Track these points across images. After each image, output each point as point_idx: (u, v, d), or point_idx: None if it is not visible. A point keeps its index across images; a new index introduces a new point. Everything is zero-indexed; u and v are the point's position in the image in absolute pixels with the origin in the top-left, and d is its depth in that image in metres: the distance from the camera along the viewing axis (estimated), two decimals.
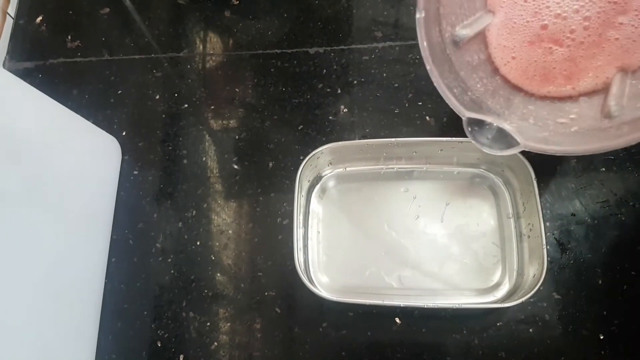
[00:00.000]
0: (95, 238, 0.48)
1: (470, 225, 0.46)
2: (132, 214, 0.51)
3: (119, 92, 0.56)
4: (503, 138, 0.36)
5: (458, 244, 0.46)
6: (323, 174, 0.49)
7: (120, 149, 0.54)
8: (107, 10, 0.60)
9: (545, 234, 0.40)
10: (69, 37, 0.59)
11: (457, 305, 0.41)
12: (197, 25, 0.59)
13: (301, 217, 0.46)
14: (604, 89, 0.38)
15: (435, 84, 0.37)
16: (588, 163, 0.48)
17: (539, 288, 0.39)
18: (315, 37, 0.56)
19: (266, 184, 0.51)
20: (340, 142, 0.46)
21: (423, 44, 0.37)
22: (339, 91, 0.54)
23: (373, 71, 0.54)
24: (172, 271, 0.49)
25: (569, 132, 0.37)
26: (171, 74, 0.57)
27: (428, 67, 0.37)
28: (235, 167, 0.52)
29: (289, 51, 0.56)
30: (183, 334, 0.47)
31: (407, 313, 0.45)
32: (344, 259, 0.47)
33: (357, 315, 0.46)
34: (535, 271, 0.41)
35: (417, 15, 0.37)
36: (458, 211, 0.47)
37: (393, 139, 0.45)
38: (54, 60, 0.58)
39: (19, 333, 0.37)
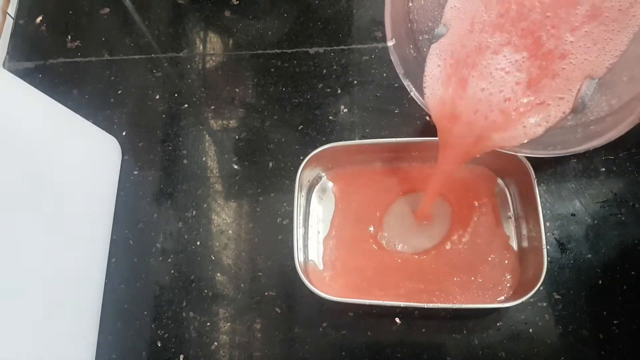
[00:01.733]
0: (95, 238, 0.48)
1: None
2: (132, 214, 0.51)
3: (119, 92, 0.56)
4: None
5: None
6: (323, 174, 0.49)
7: (120, 149, 0.54)
8: (107, 10, 0.60)
9: (545, 234, 0.40)
10: (69, 37, 0.59)
11: (457, 306, 0.41)
12: (197, 25, 0.59)
13: (301, 217, 0.46)
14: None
15: (415, 99, 0.38)
16: (588, 163, 0.48)
17: (539, 288, 0.39)
18: (315, 37, 0.56)
19: (266, 184, 0.51)
20: (340, 142, 0.46)
21: (399, 67, 0.38)
22: (339, 91, 0.54)
23: (373, 71, 0.54)
24: (172, 271, 0.49)
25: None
26: (171, 74, 0.57)
27: (405, 84, 0.38)
28: (235, 167, 0.52)
29: (289, 51, 0.56)
30: (183, 334, 0.47)
31: (407, 313, 0.45)
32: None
33: (357, 315, 0.46)
34: (535, 271, 0.41)
35: (389, 44, 0.37)
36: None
37: (393, 139, 0.45)
38: (54, 60, 0.58)
39: (19, 333, 0.37)
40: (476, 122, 0.34)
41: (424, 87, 0.37)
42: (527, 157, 0.42)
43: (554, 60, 0.32)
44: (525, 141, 0.34)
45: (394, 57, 0.37)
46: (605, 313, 0.44)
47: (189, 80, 0.56)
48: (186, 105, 0.55)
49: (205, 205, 0.51)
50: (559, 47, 0.32)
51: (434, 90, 0.36)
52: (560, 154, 0.34)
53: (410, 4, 0.38)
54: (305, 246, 0.46)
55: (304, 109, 0.54)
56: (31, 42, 0.60)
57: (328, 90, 0.54)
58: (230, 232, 0.50)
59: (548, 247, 0.41)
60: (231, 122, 0.54)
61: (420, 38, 0.39)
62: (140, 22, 0.60)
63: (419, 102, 0.38)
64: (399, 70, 0.38)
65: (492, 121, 0.34)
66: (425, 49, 0.38)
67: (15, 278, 0.37)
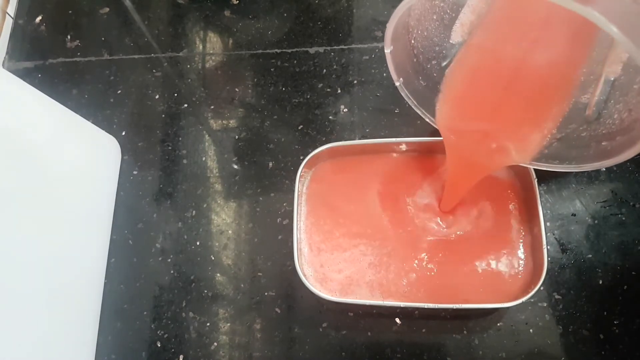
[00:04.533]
0: (94, 238, 0.48)
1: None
2: (132, 214, 0.51)
3: (119, 92, 0.56)
4: None
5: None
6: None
7: (119, 148, 0.53)
8: (107, 9, 0.60)
9: (546, 234, 0.40)
10: (69, 37, 0.59)
11: (457, 306, 0.41)
12: (196, 24, 0.59)
13: (301, 217, 0.46)
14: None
15: (431, 123, 0.39)
16: None
17: (539, 288, 0.39)
18: (315, 37, 0.56)
19: (266, 184, 0.51)
20: (340, 142, 0.46)
21: (410, 100, 0.38)
22: (339, 91, 0.54)
23: (373, 71, 0.54)
24: (172, 271, 0.49)
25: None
26: (171, 74, 0.57)
27: (420, 112, 0.39)
28: (235, 167, 0.52)
29: (289, 51, 0.56)
30: (183, 334, 0.47)
31: (408, 313, 0.45)
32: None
33: (357, 315, 0.45)
34: (536, 271, 0.41)
35: (397, 84, 0.37)
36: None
37: (393, 139, 0.45)
38: (54, 60, 0.58)
39: (18, 333, 0.37)
40: (490, 139, 0.34)
41: (436, 108, 0.36)
42: None
43: (563, 66, 0.32)
44: (538, 155, 0.34)
45: (404, 93, 0.38)
46: (605, 313, 0.44)
47: (189, 80, 0.56)
48: (186, 105, 0.55)
49: (205, 205, 0.51)
50: (567, 51, 0.32)
51: (446, 111, 0.36)
52: (574, 169, 0.34)
53: (413, 41, 0.37)
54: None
55: (304, 108, 0.54)
56: (31, 42, 0.60)
57: (328, 90, 0.54)
58: (230, 232, 0.50)
59: (548, 247, 0.41)
60: (231, 121, 0.54)
61: (429, 66, 0.39)
62: (140, 22, 0.60)
63: (434, 125, 0.38)
64: (411, 103, 0.38)
65: (507, 137, 0.34)
66: (435, 74, 0.38)
67: (14, 278, 0.37)
